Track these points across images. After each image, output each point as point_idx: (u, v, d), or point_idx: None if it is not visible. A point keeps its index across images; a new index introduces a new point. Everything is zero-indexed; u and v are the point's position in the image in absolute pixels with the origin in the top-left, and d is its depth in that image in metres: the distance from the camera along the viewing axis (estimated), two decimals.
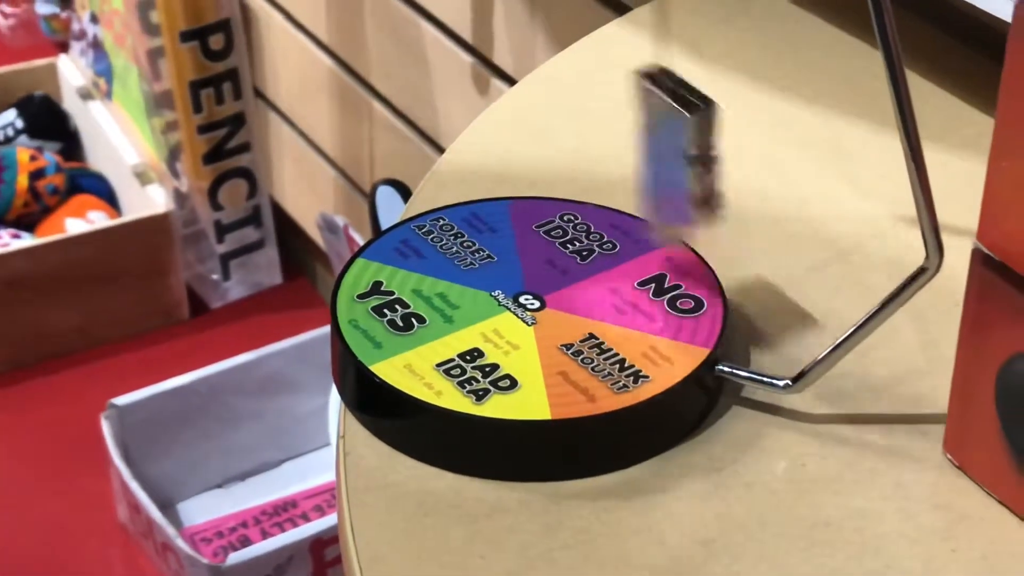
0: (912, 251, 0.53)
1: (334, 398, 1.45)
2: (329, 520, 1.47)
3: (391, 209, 1.33)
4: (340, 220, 1.56)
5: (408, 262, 0.58)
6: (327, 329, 1.62)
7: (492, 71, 1.30)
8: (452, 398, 0.52)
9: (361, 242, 1.52)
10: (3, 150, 1.91)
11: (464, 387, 0.52)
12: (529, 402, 0.52)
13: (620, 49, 0.77)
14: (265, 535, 1.54)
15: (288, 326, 1.68)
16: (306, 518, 1.57)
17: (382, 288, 0.57)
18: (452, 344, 0.54)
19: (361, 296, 0.56)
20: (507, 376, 0.53)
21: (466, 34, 1.32)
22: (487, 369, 0.53)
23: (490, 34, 1.28)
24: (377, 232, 1.35)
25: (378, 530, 0.50)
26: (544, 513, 0.50)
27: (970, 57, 0.74)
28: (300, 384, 1.63)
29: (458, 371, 0.53)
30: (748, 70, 0.74)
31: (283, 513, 1.58)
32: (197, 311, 1.86)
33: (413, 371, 0.53)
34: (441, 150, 1.43)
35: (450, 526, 0.50)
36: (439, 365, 0.53)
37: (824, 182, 0.66)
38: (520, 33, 1.24)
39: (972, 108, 0.71)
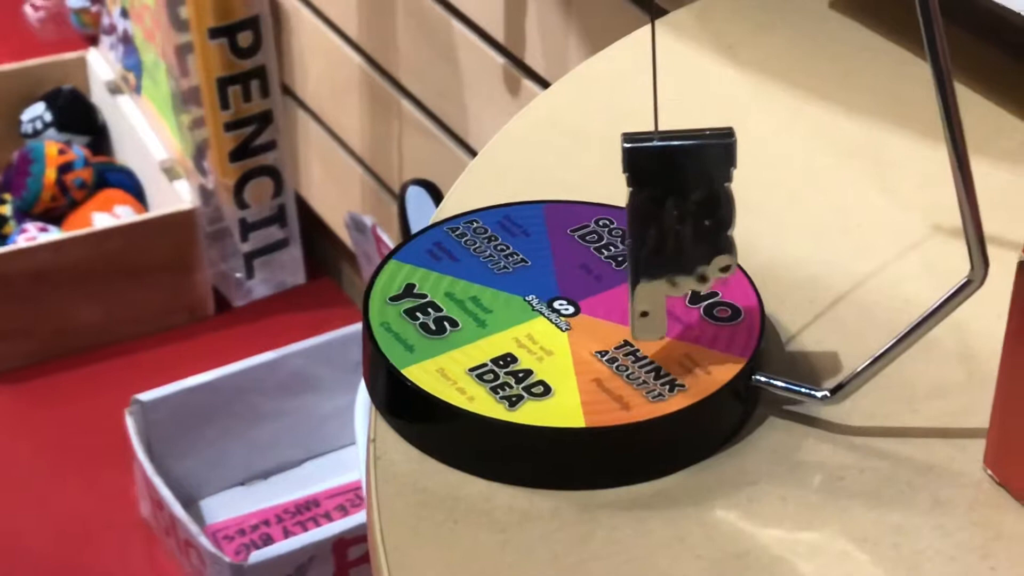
0: (953, 261, 0.52)
1: (360, 398, 1.44)
2: (352, 520, 1.46)
3: (420, 210, 1.32)
4: (368, 220, 1.55)
5: (441, 265, 0.57)
6: (351, 329, 1.62)
7: (524, 72, 1.29)
8: (485, 404, 0.51)
9: (389, 242, 1.51)
10: (31, 143, 1.92)
11: (497, 393, 0.52)
12: (562, 409, 0.51)
13: (656, 52, 0.76)
14: (287, 534, 1.54)
15: (312, 325, 1.68)
16: (328, 517, 1.57)
17: (415, 291, 0.56)
18: (485, 349, 0.53)
19: (393, 298, 0.56)
20: (540, 382, 0.52)
21: (498, 34, 1.32)
22: (520, 375, 0.52)
23: (522, 35, 1.28)
24: (406, 232, 1.34)
25: (408, 536, 0.49)
26: (576, 522, 0.50)
27: (1012, 66, 0.73)
28: (323, 383, 1.62)
29: (491, 376, 0.52)
30: (787, 76, 0.73)
31: (305, 512, 1.58)
32: (221, 308, 1.86)
33: (445, 375, 0.52)
34: (470, 150, 1.43)
35: (480, 533, 0.49)
36: (472, 370, 0.53)
37: (863, 191, 0.66)
38: (553, 34, 1.23)
39: (1014, 117, 0.70)
